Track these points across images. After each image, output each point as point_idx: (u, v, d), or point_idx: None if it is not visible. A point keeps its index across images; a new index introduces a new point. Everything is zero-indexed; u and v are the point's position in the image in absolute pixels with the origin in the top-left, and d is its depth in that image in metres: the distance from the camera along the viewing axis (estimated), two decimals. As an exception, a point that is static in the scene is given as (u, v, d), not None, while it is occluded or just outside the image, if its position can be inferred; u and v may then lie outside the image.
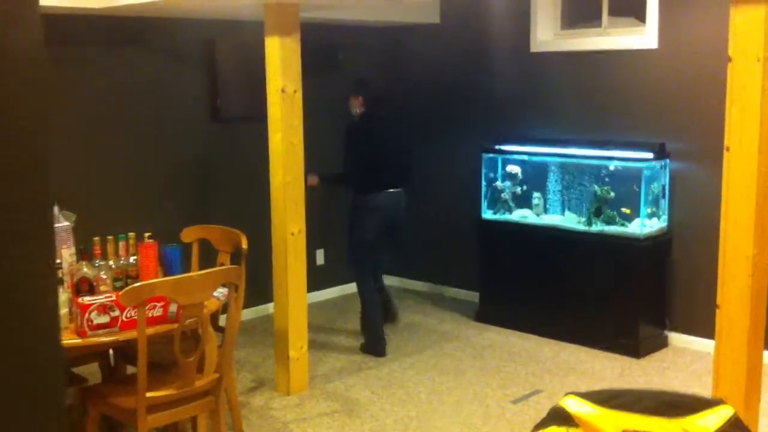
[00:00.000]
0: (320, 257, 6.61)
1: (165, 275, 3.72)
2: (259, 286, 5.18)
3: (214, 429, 3.61)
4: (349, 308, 6.44)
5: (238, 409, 4.18)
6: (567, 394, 1.74)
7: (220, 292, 3.68)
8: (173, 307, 3.39)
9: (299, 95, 4.52)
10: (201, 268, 4.30)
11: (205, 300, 3.32)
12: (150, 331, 3.30)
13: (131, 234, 3.79)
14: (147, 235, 3.80)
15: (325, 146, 6.45)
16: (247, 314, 5.97)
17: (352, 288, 6.80)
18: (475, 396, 4.66)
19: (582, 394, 1.73)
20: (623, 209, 5.41)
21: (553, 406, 1.86)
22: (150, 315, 3.35)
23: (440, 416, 4.39)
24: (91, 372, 4.21)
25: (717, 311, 3.13)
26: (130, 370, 3.96)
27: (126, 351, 3.82)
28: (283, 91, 4.44)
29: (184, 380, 3.37)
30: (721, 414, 1.74)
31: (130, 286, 3.18)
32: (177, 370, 3.38)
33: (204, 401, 3.51)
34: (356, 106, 5.38)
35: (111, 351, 3.99)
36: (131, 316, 3.31)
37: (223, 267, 3.37)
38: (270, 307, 5.08)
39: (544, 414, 4.33)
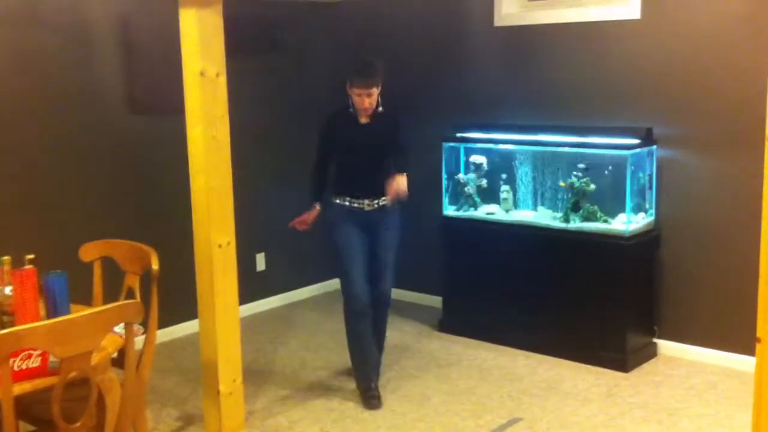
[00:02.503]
0: (260, 262, 5.83)
1: (48, 312, 2.92)
2: (186, 299, 4.31)
3: (118, 504, 2.84)
4: (294, 319, 5.69)
5: (155, 464, 3.42)
6: None
7: (123, 327, 2.89)
8: (56, 357, 2.60)
9: (223, 79, 3.72)
10: (105, 293, 3.53)
11: (94, 348, 2.55)
12: (23, 388, 2.54)
13: (6, 258, 2.99)
14: (28, 258, 2.99)
15: (266, 143, 5.70)
16: (174, 333, 5.20)
17: (297, 295, 6.08)
18: (444, 429, 3.95)
19: None
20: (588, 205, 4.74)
21: None
22: (24, 367, 2.58)
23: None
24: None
25: (758, 346, 2.47)
26: (22, 427, 3.17)
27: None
28: (202, 74, 3.64)
29: (71, 451, 2.60)
30: None
31: (-14, 338, 2.38)
32: (62, 438, 2.60)
33: (101, 474, 2.74)
34: (375, 100, 4.13)
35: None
36: (-2, 370, 2.52)
37: (115, 304, 2.59)
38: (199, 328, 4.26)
39: (525, 453, 3.65)
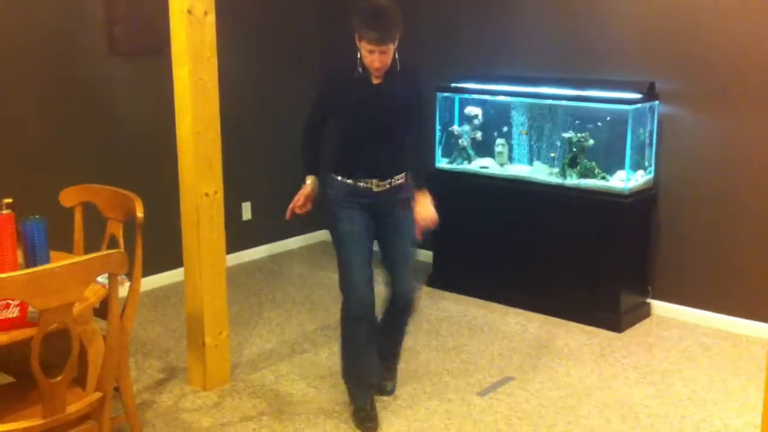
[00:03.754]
0: (246, 211, 5.68)
1: (25, 260, 2.77)
2: (171, 247, 4.17)
3: (99, 461, 2.72)
4: (282, 269, 5.57)
5: (136, 417, 3.28)
6: None
7: (107, 277, 2.75)
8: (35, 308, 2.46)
9: (211, 18, 3.53)
10: (87, 240, 3.37)
11: (75, 299, 2.40)
12: (1, 339, 2.39)
13: (-19, 202, 2.82)
14: (6, 202, 2.82)
15: (255, 85, 5.50)
16: (157, 282, 5.07)
17: (283, 246, 5.94)
18: (434, 388, 3.86)
19: None
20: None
21: None
22: (2, 317, 2.44)
23: (392, 416, 3.58)
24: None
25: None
26: (0, 379, 3.04)
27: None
28: (189, 12, 3.45)
29: (50, 406, 2.47)
30: None
31: (-40, 287, 2.23)
32: (39, 393, 2.47)
33: (81, 429, 2.62)
34: (390, 58, 3.26)
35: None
36: (-27, 321, 2.38)
37: (98, 254, 2.44)
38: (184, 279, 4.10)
39: (517, 411, 3.57)
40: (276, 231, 5.85)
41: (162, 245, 4.41)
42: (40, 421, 2.46)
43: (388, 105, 3.31)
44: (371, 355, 3.54)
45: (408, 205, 3.41)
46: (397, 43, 3.20)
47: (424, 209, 3.36)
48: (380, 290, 3.53)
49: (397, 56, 3.26)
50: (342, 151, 3.42)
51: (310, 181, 3.46)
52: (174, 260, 4.33)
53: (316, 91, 3.55)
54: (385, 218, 3.42)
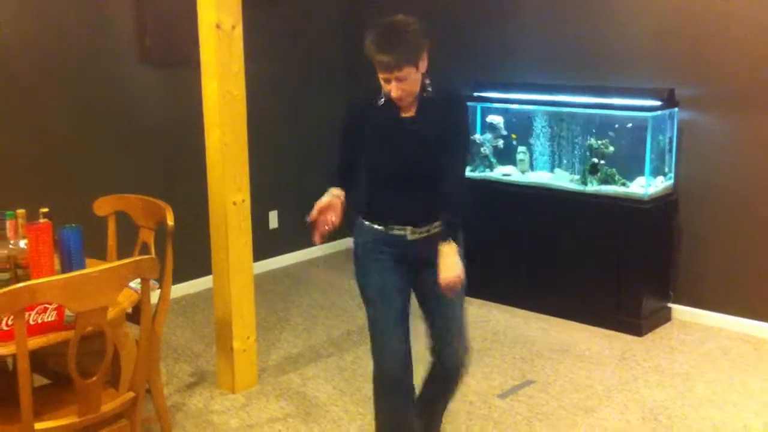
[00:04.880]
0: (273, 220, 5.80)
1: (62, 266, 2.90)
2: (200, 255, 4.29)
3: (132, 459, 2.84)
4: (308, 276, 5.68)
5: (167, 418, 3.41)
6: None
7: (139, 283, 2.87)
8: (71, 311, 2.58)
9: (239, 32, 3.66)
10: (119, 248, 3.51)
11: (109, 303, 2.52)
12: (38, 342, 2.53)
13: (21, 211, 2.96)
14: (43, 211, 2.96)
15: (283, 96, 5.63)
16: (187, 289, 5.20)
17: (309, 253, 6.05)
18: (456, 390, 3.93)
19: None
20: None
21: None
22: (39, 321, 2.57)
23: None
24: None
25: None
26: (36, 380, 3.17)
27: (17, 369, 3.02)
28: (218, 27, 3.58)
29: (85, 405, 2.59)
30: None
31: (3, 290, 2.35)
32: (76, 392, 2.59)
33: (115, 428, 2.73)
34: (412, 86, 2.70)
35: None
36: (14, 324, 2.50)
37: (130, 260, 2.56)
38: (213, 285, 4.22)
39: (537, 412, 3.64)
40: (302, 239, 5.90)
41: (191, 253, 4.53)
42: (76, 419, 2.58)
43: (419, 142, 2.75)
44: (412, 428, 2.99)
45: None
46: (423, 66, 2.67)
47: (446, 269, 2.70)
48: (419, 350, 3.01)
49: (428, 82, 2.75)
50: (370, 193, 2.87)
51: (337, 191, 2.80)
52: (203, 268, 4.45)
53: (341, 131, 2.93)
54: (424, 272, 2.81)
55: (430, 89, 2.76)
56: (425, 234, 2.82)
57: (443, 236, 2.74)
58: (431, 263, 2.73)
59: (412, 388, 2.95)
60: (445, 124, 2.76)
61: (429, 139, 2.75)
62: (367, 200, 2.90)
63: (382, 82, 2.67)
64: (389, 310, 2.84)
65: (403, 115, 2.76)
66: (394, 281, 2.85)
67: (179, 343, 4.52)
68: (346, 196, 2.82)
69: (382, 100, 2.76)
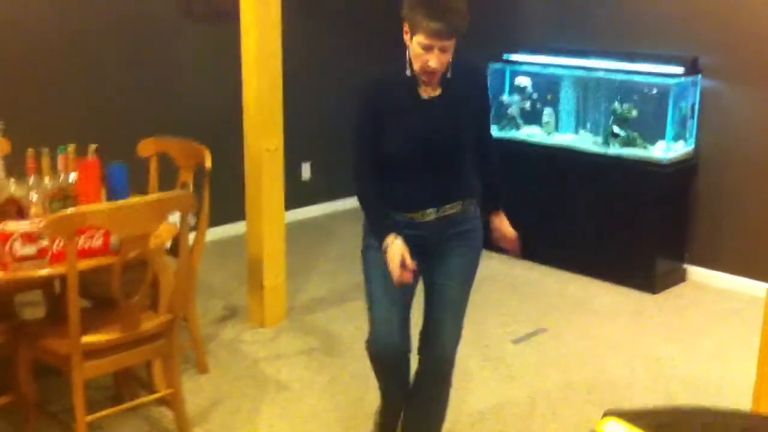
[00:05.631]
0: (306, 171, 6.04)
1: (108, 199, 3.16)
2: (234, 201, 4.55)
3: (168, 376, 3.11)
4: (336, 228, 5.91)
5: (201, 345, 3.70)
6: (606, 414, 1.20)
7: (177, 219, 3.11)
8: (116, 238, 2.83)
9: (278, -13, 3.86)
10: (160, 187, 3.75)
11: (150, 231, 2.77)
12: (86, 265, 2.78)
13: (71, 146, 3.21)
14: (93, 147, 3.21)
15: (319, 52, 5.82)
16: (221, 233, 5.46)
17: (339, 206, 6.27)
18: (473, 334, 4.15)
19: (630, 416, 1.19)
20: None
21: None
22: (87, 246, 2.82)
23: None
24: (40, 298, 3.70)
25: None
26: (82, 301, 3.45)
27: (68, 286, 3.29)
28: (258, -19, 3.78)
29: (127, 323, 2.85)
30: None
31: (56, 215, 2.62)
32: (119, 311, 2.85)
33: (154, 346, 3.00)
34: (448, 60, 2.56)
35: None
36: (64, 247, 2.76)
37: (170, 193, 2.81)
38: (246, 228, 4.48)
39: (547, 357, 3.86)
40: (333, 191, 6.18)
41: (226, 199, 4.78)
42: (119, 335, 2.85)
43: (445, 124, 2.61)
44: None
45: (465, 239, 2.76)
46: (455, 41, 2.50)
47: (508, 231, 2.90)
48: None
49: (451, 60, 2.55)
50: (386, 182, 2.66)
51: (395, 238, 2.55)
52: (237, 214, 4.71)
53: (357, 114, 2.66)
54: (432, 254, 2.71)
55: (450, 69, 2.57)
56: (436, 215, 2.67)
57: (496, 206, 2.88)
58: (447, 243, 2.70)
59: (406, 379, 2.83)
60: (473, 100, 2.66)
61: (454, 119, 2.61)
62: (381, 186, 2.67)
63: (419, 51, 2.45)
64: (388, 284, 2.60)
65: (426, 94, 2.60)
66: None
67: (213, 281, 4.80)
68: (384, 206, 2.67)
69: (408, 72, 2.55)
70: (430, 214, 2.67)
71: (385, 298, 2.68)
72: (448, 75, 2.57)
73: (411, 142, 2.59)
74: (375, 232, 2.65)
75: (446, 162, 2.65)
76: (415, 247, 2.60)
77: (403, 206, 2.66)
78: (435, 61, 2.46)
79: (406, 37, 2.50)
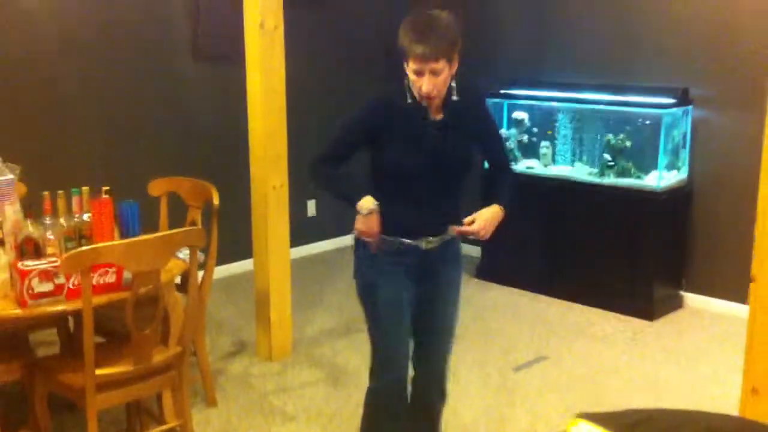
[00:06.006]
0: (311, 209, 6.18)
1: (121, 236, 3.30)
2: (242, 239, 4.70)
3: (178, 407, 3.22)
4: (341, 263, 6.03)
5: (210, 378, 3.81)
6: (577, 416, 1.32)
7: (187, 254, 3.25)
8: (129, 274, 2.96)
9: (280, 31, 4.03)
10: (171, 225, 3.89)
11: (161, 266, 2.90)
12: (100, 300, 2.90)
13: (85, 188, 3.35)
14: (104, 189, 3.35)
15: (323, 90, 5.99)
16: (229, 270, 5.58)
17: (345, 241, 6.38)
18: (474, 362, 4.27)
19: (598, 419, 1.31)
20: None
21: (559, 433, 1.42)
22: (101, 282, 2.95)
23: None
24: (53, 337, 3.83)
25: (751, 285, 2.69)
26: (96, 337, 3.57)
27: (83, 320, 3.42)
28: (261, 26, 3.95)
29: (140, 355, 2.97)
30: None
31: (72, 252, 2.76)
32: (132, 344, 2.98)
33: (165, 377, 3.11)
34: (443, 82, 2.60)
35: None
36: (79, 284, 2.89)
37: (181, 229, 2.94)
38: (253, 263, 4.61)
39: (548, 384, 3.96)
40: (338, 227, 6.30)
41: (234, 237, 4.90)
42: (131, 367, 2.96)
43: (449, 147, 2.65)
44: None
45: (455, 262, 2.85)
46: (455, 66, 2.59)
47: (487, 218, 2.70)
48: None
49: (454, 85, 2.64)
50: (384, 203, 2.63)
51: (370, 203, 2.60)
52: (244, 252, 4.86)
53: (352, 120, 2.74)
54: (428, 278, 2.77)
55: (455, 93, 2.66)
56: (439, 243, 2.73)
57: (502, 202, 2.76)
58: (439, 267, 2.76)
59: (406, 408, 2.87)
60: (474, 121, 2.73)
61: (458, 143, 2.66)
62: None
63: (413, 77, 2.55)
64: (398, 323, 2.72)
65: (433, 117, 2.64)
66: (403, 295, 2.73)
67: (222, 317, 4.92)
68: (352, 176, 2.74)
69: (409, 99, 2.62)
70: (435, 241, 2.72)
71: (398, 337, 2.74)
72: (454, 97, 2.64)
73: (418, 166, 2.63)
74: (348, 195, 2.65)
75: (450, 186, 2.71)
76: (409, 271, 2.71)
77: (409, 232, 2.69)
78: (427, 85, 2.52)
79: (405, 65, 2.58)
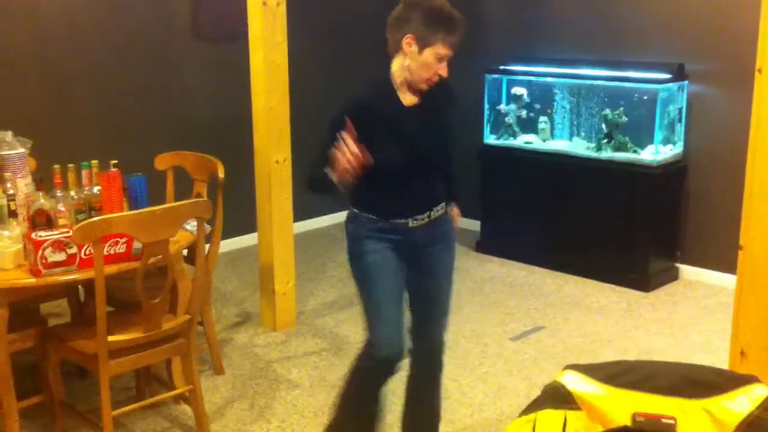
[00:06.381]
0: (314, 183, 6.26)
1: (129, 208, 3.39)
2: (245, 214, 4.82)
3: (187, 373, 3.34)
4: (343, 237, 6.11)
5: (217, 347, 3.93)
6: (565, 368, 1.42)
7: (194, 226, 3.35)
8: (138, 244, 3.07)
9: (283, 8, 4.10)
10: (176, 198, 3.99)
11: (170, 236, 3.00)
12: (111, 269, 3.00)
13: (94, 162, 3.45)
14: (113, 163, 3.44)
15: (324, 66, 6.07)
16: (233, 244, 5.69)
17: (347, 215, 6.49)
18: (473, 333, 4.38)
19: (584, 369, 1.42)
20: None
21: (548, 384, 1.54)
22: (112, 252, 3.04)
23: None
24: (64, 307, 3.94)
25: (739, 252, 2.80)
26: (106, 306, 3.68)
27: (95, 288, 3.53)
28: (264, 3, 4.03)
29: (149, 323, 3.08)
30: (754, 394, 1.43)
31: (84, 222, 2.85)
32: (142, 312, 3.08)
33: (174, 345, 3.22)
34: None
35: (81, 287, 3.70)
36: (91, 253, 2.99)
37: (189, 201, 3.04)
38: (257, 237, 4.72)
39: (544, 353, 4.07)
40: (340, 202, 6.38)
41: (239, 212, 5.01)
42: (142, 334, 3.07)
43: (430, 129, 2.79)
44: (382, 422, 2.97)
45: (447, 240, 2.92)
46: None
47: (458, 216, 3.03)
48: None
49: None
50: (370, 189, 2.73)
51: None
52: (248, 226, 4.97)
53: (332, 126, 2.68)
54: (419, 256, 2.83)
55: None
56: (426, 220, 2.80)
57: (455, 199, 3.00)
58: (429, 245, 2.82)
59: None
60: (445, 108, 2.84)
61: (436, 127, 2.80)
62: (362, 195, 2.79)
63: (432, 61, 2.62)
64: (388, 286, 2.78)
65: (406, 102, 2.74)
66: (392, 262, 2.79)
67: (227, 289, 5.03)
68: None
69: (388, 83, 2.72)
70: (423, 219, 2.78)
71: (389, 298, 2.78)
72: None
73: (404, 149, 2.70)
74: (319, 173, 2.64)
75: (433, 166, 2.83)
76: (401, 251, 2.78)
77: (396, 214, 2.75)
78: (445, 70, 2.67)
79: (410, 49, 2.62)
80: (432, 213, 2.81)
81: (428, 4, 2.64)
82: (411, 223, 2.78)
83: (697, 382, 1.46)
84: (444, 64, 2.65)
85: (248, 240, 5.65)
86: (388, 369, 2.79)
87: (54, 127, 4.83)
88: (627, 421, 1.38)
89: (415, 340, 2.94)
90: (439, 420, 3.13)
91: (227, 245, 5.58)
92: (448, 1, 2.67)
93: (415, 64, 2.65)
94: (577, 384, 1.45)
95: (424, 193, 2.81)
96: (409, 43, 2.63)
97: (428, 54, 2.62)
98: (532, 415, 1.46)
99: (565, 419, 1.39)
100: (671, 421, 1.40)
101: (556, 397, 1.44)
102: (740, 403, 1.42)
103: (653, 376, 1.37)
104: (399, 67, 2.70)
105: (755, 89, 2.73)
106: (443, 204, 2.87)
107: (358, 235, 2.84)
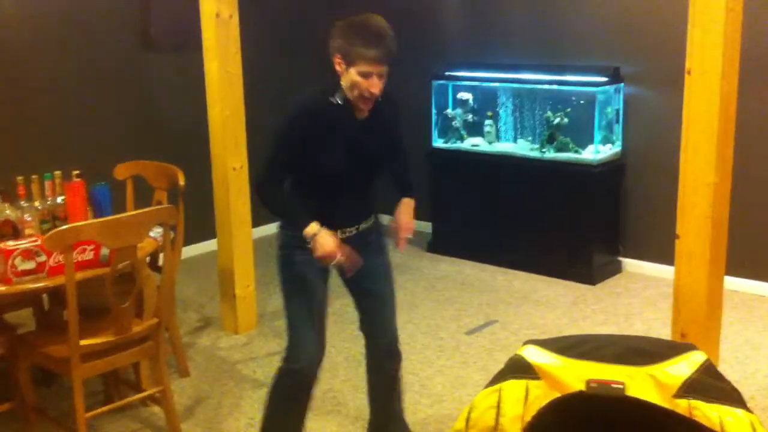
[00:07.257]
0: (268, 190, 6.37)
1: (94, 216, 3.48)
2: (203, 221, 4.93)
3: (156, 375, 3.43)
4: (298, 242, 6.26)
5: (182, 351, 4.03)
6: (526, 342, 1.59)
7: (157, 232, 3.46)
8: (105, 251, 3.16)
9: (236, 20, 4.23)
10: (136, 206, 4.07)
11: (137, 242, 3.10)
12: (80, 276, 3.09)
13: (57, 172, 3.53)
14: (75, 173, 3.53)
15: (269, 77, 6.19)
16: (192, 251, 5.76)
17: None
18: (429, 329, 4.55)
19: (542, 343, 1.58)
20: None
21: (511, 356, 1.71)
22: (80, 259, 3.14)
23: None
24: (25, 317, 4.00)
25: (676, 241, 3.02)
26: (66, 315, 3.75)
27: (61, 296, 3.59)
28: (217, 15, 4.15)
29: (120, 327, 3.17)
30: (692, 360, 1.61)
31: (54, 230, 2.94)
32: (112, 316, 3.18)
33: (143, 347, 3.32)
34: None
35: (45, 296, 3.77)
36: (60, 261, 3.08)
37: (154, 207, 3.15)
38: (215, 243, 4.81)
39: (497, 345, 4.26)
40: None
41: (196, 220, 5.08)
42: (113, 338, 3.17)
43: (376, 144, 2.81)
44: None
45: (379, 246, 2.99)
46: None
47: (408, 216, 2.95)
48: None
49: None
50: (304, 198, 2.81)
51: (314, 228, 2.70)
52: (205, 233, 5.07)
53: (283, 137, 2.77)
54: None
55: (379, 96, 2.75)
56: (354, 232, 2.86)
57: (409, 193, 2.99)
58: (365, 252, 2.83)
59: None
60: (393, 119, 2.89)
61: (381, 138, 2.82)
62: (307, 210, 2.76)
63: (358, 79, 2.61)
64: (313, 299, 2.86)
65: (359, 117, 2.76)
66: (318, 275, 2.86)
67: (187, 295, 5.12)
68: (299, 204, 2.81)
69: (339, 100, 2.70)
70: (351, 231, 2.84)
71: (311, 312, 2.87)
72: (378, 98, 2.71)
73: (350, 162, 2.73)
74: (297, 223, 2.73)
75: (370, 179, 2.89)
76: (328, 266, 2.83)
77: (327, 225, 2.72)
78: (376, 87, 2.62)
79: (340, 68, 2.65)
80: (361, 226, 2.89)
81: (349, 21, 2.64)
82: (339, 235, 2.79)
83: (642, 351, 1.64)
84: (374, 81, 2.61)
85: (204, 247, 5.74)
86: (309, 385, 2.90)
87: (12, 138, 4.87)
88: (581, 387, 1.55)
89: (373, 338, 3.09)
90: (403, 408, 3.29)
91: (185, 252, 5.64)
92: (382, 17, 2.66)
93: (346, 83, 2.66)
94: (536, 356, 1.62)
95: (357, 205, 2.88)
96: (338, 63, 2.66)
97: (353, 72, 2.61)
98: (497, 386, 1.62)
99: (527, 388, 1.56)
100: (620, 386, 1.57)
101: (518, 368, 1.61)
102: (680, 368, 1.60)
103: (603, 347, 1.54)
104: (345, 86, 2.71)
105: (685, 90, 2.96)
106: (374, 215, 2.95)
107: (288, 243, 2.88)
